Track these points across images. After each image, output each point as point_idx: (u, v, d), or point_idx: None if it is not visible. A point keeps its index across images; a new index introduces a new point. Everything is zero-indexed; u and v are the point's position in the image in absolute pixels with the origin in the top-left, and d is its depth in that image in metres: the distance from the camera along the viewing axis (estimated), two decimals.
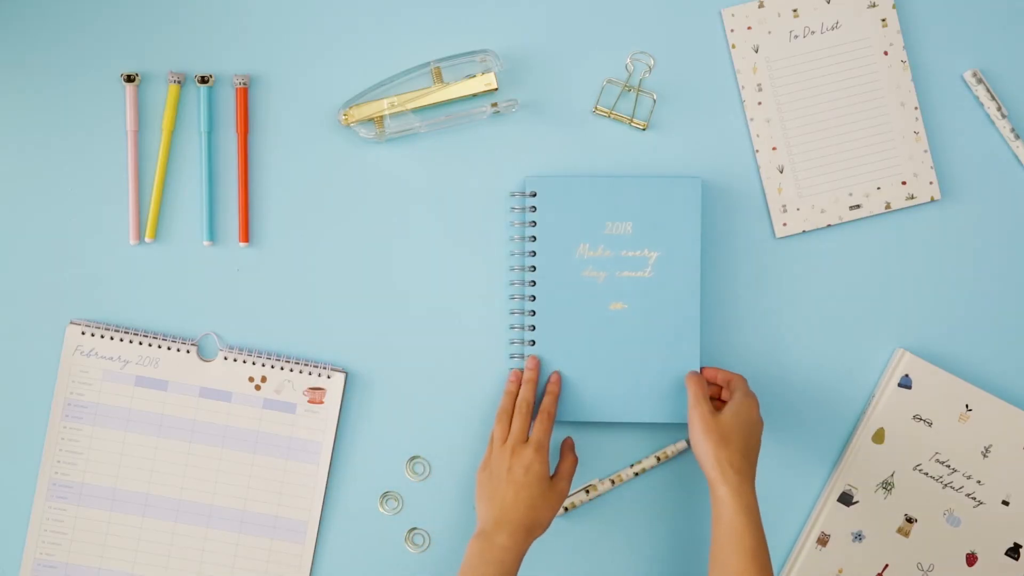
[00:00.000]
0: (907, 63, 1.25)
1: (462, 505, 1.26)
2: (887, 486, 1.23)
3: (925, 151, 1.25)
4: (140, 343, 1.23)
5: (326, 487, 1.24)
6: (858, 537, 1.23)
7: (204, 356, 1.24)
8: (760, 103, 1.25)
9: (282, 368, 1.24)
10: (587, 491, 1.24)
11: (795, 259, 1.26)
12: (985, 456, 1.23)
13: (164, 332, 1.24)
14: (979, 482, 1.23)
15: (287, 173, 1.25)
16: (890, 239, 1.26)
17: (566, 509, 1.24)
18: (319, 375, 1.23)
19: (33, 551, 1.23)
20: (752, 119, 1.25)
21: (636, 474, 1.25)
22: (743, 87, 1.25)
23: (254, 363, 1.24)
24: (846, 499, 1.23)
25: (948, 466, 1.23)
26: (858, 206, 1.25)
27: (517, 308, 1.25)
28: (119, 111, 1.24)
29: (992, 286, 1.26)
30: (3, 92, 1.24)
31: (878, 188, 1.25)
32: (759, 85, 1.25)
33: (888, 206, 1.25)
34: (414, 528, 1.25)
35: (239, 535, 1.23)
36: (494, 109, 1.24)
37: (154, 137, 1.25)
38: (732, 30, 1.25)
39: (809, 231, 1.26)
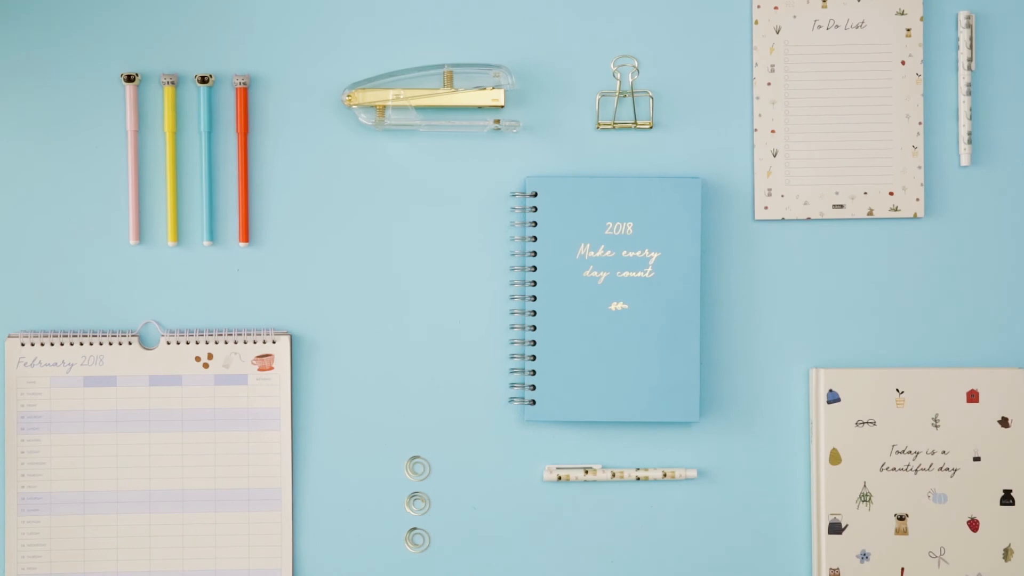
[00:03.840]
0: (921, 76, 1.25)
1: (462, 505, 1.26)
2: (865, 498, 1.23)
3: (919, 167, 1.25)
4: (81, 344, 1.23)
5: (292, 450, 1.24)
6: (864, 557, 1.23)
7: (146, 345, 1.24)
8: (769, 83, 1.25)
9: (226, 342, 1.24)
10: (585, 471, 1.24)
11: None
12: (936, 426, 1.23)
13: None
14: (944, 452, 1.23)
15: (287, 172, 1.25)
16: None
17: (559, 478, 1.24)
18: (264, 342, 1.24)
19: (15, 569, 1.22)
20: (758, 97, 1.25)
21: (638, 478, 1.25)
22: (756, 64, 1.25)
23: (197, 342, 1.24)
24: (836, 528, 1.23)
25: (909, 452, 1.23)
26: (841, 206, 1.26)
27: (518, 308, 1.25)
28: (119, 111, 1.24)
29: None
30: (3, 92, 1.24)
31: (865, 193, 1.25)
32: (772, 66, 1.25)
33: (871, 212, 1.26)
34: (414, 528, 1.26)
35: (215, 514, 1.23)
36: (495, 126, 1.24)
37: (154, 137, 1.25)
38: (759, 6, 1.25)
39: (789, 219, 1.26)
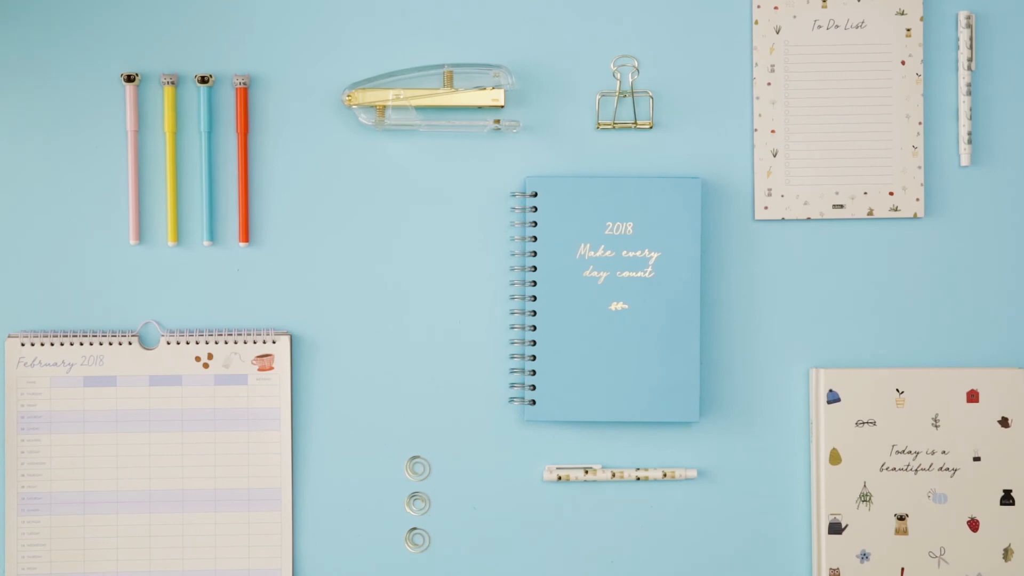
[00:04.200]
0: (921, 76, 1.25)
1: (462, 505, 1.26)
2: (865, 498, 1.23)
3: (919, 167, 1.25)
4: (81, 343, 1.23)
5: (292, 450, 1.24)
6: (864, 557, 1.23)
7: (146, 345, 1.24)
8: (769, 83, 1.25)
9: (226, 342, 1.24)
10: (585, 471, 1.24)
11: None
12: (936, 426, 1.23)
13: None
14: (944, 452, 1.23)
15: (287, 172, 1.25)
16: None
17: (559, 478, 1.24)
18: (264, 342, 1.24)
19: (15, 569, 1.22)
20: (758, 97, 1.25)
21: (638, 478, 1.25)
22: (756, 64, 1.25)
23: (197, 342, 1.24)
24: (836, 528, 1.23)
25: (909, 452, 1.23)
26: (841, 206, 1.26)
27: (518, 308, 1.25)
28: (119, 111, 1.24)
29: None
30: (3, 92, 1.24)
31: (865, 193, 1.25)
32: (772, 66, 1.25)
33: (871, 212, 1.26)
34: (414, 528, 1.26)
35: (215, 514, 1.24)
36: (495, 126, 1.24)
37: (154, 137, 1.25)
38: (759, 6, 1.25)
39: (789, 219, 1.26)
